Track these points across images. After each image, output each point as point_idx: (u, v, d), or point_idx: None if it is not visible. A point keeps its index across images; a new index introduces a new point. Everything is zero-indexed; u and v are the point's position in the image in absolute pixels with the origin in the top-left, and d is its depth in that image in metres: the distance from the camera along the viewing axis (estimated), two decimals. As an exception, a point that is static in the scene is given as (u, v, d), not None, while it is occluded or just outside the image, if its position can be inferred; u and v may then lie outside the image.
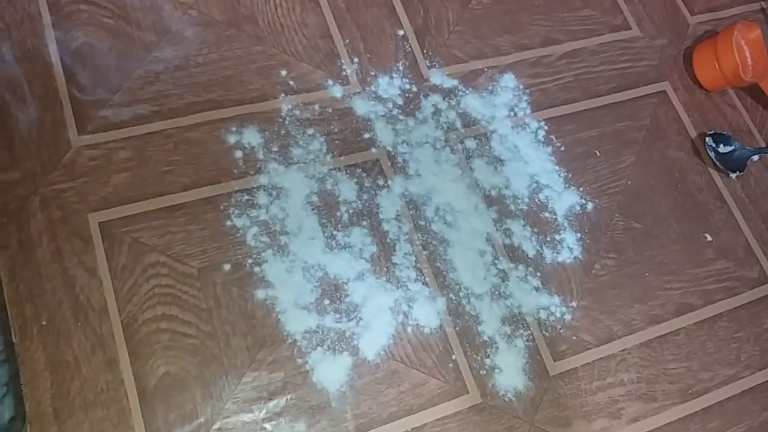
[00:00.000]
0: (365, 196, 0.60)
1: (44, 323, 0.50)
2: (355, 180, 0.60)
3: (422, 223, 0.60)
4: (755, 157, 0.71)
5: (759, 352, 0.64)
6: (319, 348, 0.54)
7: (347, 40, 0.65)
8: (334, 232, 0.58)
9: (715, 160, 0.70)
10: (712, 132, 0.71)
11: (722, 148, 0.70)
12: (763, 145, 0.73)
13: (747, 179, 0.71)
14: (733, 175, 0.70)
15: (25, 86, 0.57)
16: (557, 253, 0.62)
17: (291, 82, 0.62)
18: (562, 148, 0.66)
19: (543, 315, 0.59)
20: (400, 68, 0.65)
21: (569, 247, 0.63)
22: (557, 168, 0.66)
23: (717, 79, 0.72)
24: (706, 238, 0.67)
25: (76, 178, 0.55)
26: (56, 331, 0.50)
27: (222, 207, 0.56)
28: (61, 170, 0.55)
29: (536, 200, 0.63)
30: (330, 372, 0.54)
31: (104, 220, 0.54)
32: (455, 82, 0.66)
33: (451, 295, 0.58)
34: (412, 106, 0.64)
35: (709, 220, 0.68)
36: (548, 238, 0.62)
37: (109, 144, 0.56)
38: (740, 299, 0.65)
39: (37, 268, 0.52)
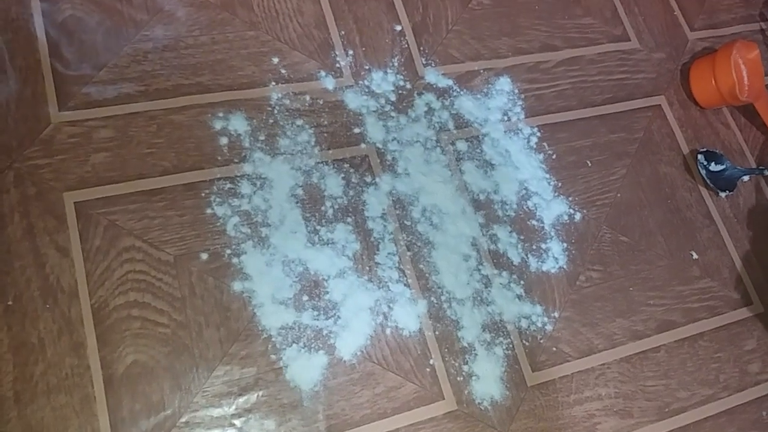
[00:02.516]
0: (351, 192, 0.58)
1: (10, 303, 0.48)
2: (342, 175, 0.59)
3: (408, 223, 0.59)
4: (745, 178, 0.71)
5: (738, 373, 0.63)
6: (294, 345, 0.53)
7: (343, 32, 0.64)
8: (318, 227, 0.56)
9: (705, 178, 0.69)
10: (705, 149, 0.70)
11: (714, 167, 0.70)
12: (754, 165, 0.73)
13: (736, 199, 0.71)
14: (723, 194, 0.70)
15: (5, 56, 0.55)
16: (542, 262, 0.61)
17: (282, 71, 0.61)
18: (554, 156, 0.66)
19: (524, 324, 0.58)
20: (395, 64, 0.64)
21: (555, 257, 0.62)
22: (547, 176, 0.65)
23: (713, 96, 0.71)
24: (692, 255, 0.67)
25: (54, 155, 0.53)
26: (23, 312, 0.48)
27: (203, 194, 0.55)
28: (38, 146, 0.53)
29: (524, 207, 0.62)
30: (304, 370, 0.52)
31: (80, 200, 0.52)
32: (450, 82, 0.65)
33: (432, 299, 0.57)
34: (405, 104, 0.63)
35: (697, 238, 0.68)
36: (534, 247, 0.61)
37: (90, 122, 0.55)
38: (722, 319, 0.65)
39: (7, 246, 0.50)
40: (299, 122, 0.59)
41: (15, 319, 0.48)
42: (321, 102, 0.60)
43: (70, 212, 0.52)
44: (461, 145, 0.63)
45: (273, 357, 0.52)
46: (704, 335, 0.64)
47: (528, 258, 0.61)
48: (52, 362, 0.48)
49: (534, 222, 0.62)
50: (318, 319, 0.54)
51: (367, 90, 0.62)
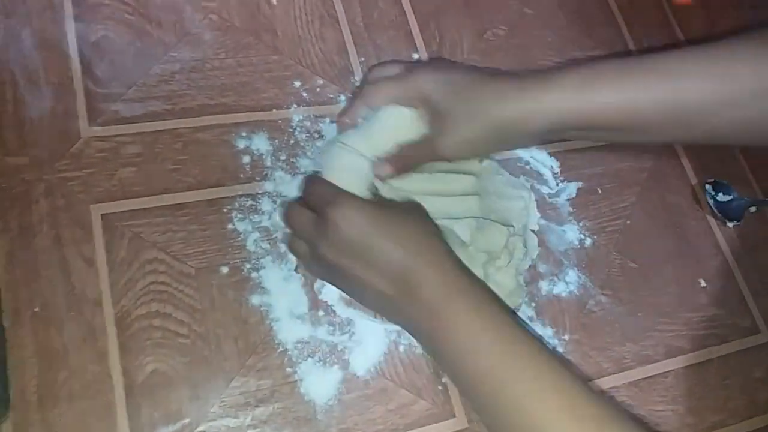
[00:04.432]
0: (368, 212, 0.60)
1: (37, 310, 0.50)
2: (360, 195, 0.60)
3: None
4: (752, 208, 0.72)
5: (746, 401, 0.64)
6: (309, 359, 0.54)
7: (362, 58, 0.66)
8: (335, 245, 0.58)
9: (713, 208, 0.71)
10: (712, 180, 0.72)
11: (721, 197, 0.71)
12: (761, 197, 0.74)
13: (744, 229, 0.72)
14: (731, 224, 0.71)
15: (40, 73, 0.57)
16: (553, 285, 0.62)
17: (304, 94, 0.63)
18: (565, 183, 0.67)
19: (535, 345, 0.59)
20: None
21: (566, 281, 0.63)
22: (559, 202, 0.66)
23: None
24: (700, 283, 0.68)
25: (83, 168, 0.55)
26: (48, 319, 0.50)
27: (225, 210, 0.57)
28: (68, 159, 0.55)
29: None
30: (319, 384, 0.53)
31: (107, 212, 0.54)
32: (465, 109, 0.67)
33: (445, 318, 0.58)
34: (421, 128, 0.64)
35: (705, 266, 0.69)
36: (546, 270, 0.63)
37: (118, 137, 0.57)
38: (731, 347, 0.66)
39: (36, 254, 0.51)
40: (319, 143, 0.61)
41: (41, 325, 0.50)
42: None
43: (96, 224, 0.53)
44: (475, 170, 0.65)
45: (289, 370, 0.53)
46: (713, 362, 0.65)
47: (540, 281, 0.62)
48: (75, 369, 0.49)
49: (546, 246, 0.64)
50: (333, 335, 0.55)
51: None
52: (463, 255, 0.55)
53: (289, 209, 0.51)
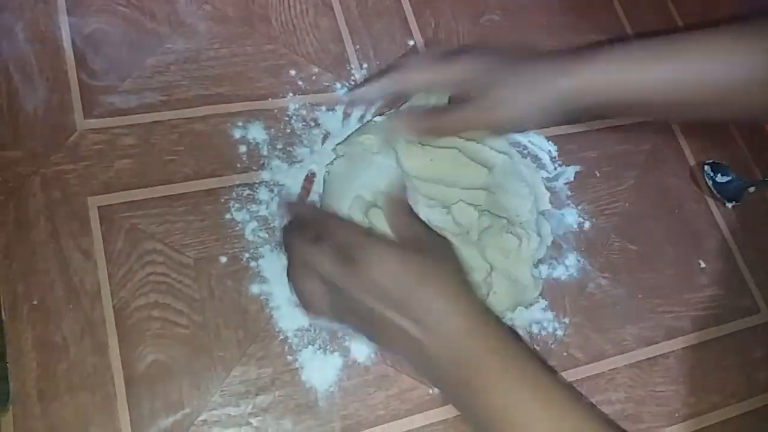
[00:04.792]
0: (366, 200, 0.60)
1: (35, 303, 0.50)
2: (357, 183, 0.60)
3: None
4: (751, 189, 0.72)
5: (746, 381, 0.64)
6: (310, 346, 0.54)
7: (358, 46, 0.66)
8: (333, 233, 0.58)
9: (712, 189, 0.70)
10: (711, 161, 0.72)
11: (720, 178, 0.71)
12: (760, 177, 0.74)
13: (743, 210, 0.72)
14: (730, 205, 0.71)
15: (34, 67, 0.57)
16: (553, 269, 0.62)
17: (299, 83, 0.62)
18: (563, 167, 0.67)
19: (535, 329, 0.59)
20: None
21: (565, 265, 0.63)
22: (557, 185, 0.66)
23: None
24: (699, 264, 0.68)
25: (79, 161, 0.55)
26: (47, 312, 0.50)
27: (222, 200, 0.56)
28: (64, 152, 0.55)
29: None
30: (319, 371, 0.54)
31: (104, 205, 0.54)
32: (461, 95, 0.67)
33: (445, 303, 0.58)
34: (417, 115, 0.64)
35: (704, 247, 0.69)
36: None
37: (114, 129, 0.56)
38: (730, 327, 0.66)
39: (33, 248, 0.51)
40: (315, 131, 0.61)
41: (40, 318, 0.50)
42: (337, 112, 0.62)
43: (93, 216, 0.53)
44: (472, 155, 0.64)
45: (289, 358, 0.53)
46: (713, 343, 0.65)
47: (539, 265, 0.62)
48: (75, 361, 0.49)
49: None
50: (333, 322, 0.55)
51: (380, 101, 0.64)
52: (467, 248, 0.55)
53: (296, 243, 0.47)
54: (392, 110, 0.61)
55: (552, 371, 0.46)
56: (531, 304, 0.60)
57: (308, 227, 0.47)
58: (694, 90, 0.49)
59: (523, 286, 0.58)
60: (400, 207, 0.49)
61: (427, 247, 0.46)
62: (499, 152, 0.60)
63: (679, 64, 0.49)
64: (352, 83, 0.64)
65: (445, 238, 0.48)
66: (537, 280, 0.59)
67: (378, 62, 0.66)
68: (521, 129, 0.56)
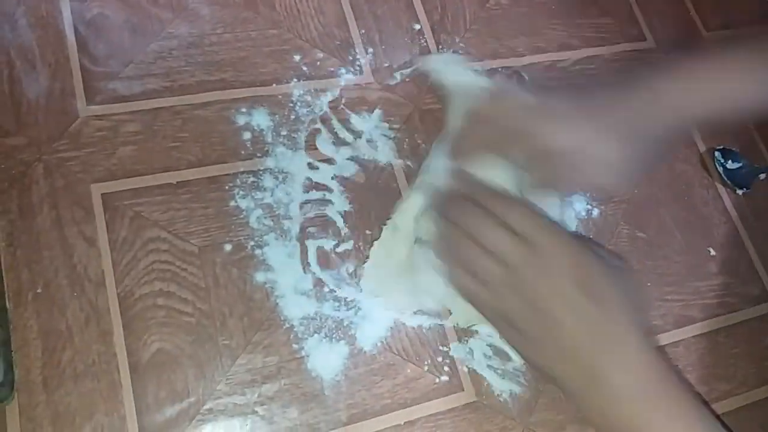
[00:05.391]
0: (371, 187, 0.59)
1: (39, 291, 0.50)
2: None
3: (427, 217, 0.59)
4: (762, 176, 0.71)
5: (756, 369, 0.63)
6: (316, 335, 0.53)
7: (363, 30, 0.65)
8: (338, 220, 0.57)
9: (722, 175, 0.70)
10: (721, 147, 0.71)
11: (730, 164, 0.70)
12: (771, 164, 0.73)
13: (753, 197, 0.71)
14: (740, 192, 0.70)
15: (36, 53, 0.56)
16: (560, 256, 0.61)
17: (304, 68, 0.62)
18: (571, 153, 0.66)
19: (543, 317, 0.59)
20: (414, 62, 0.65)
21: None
22: (565, 172, 0.65)
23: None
24: (709, 252, 0.67)
25: (82, 148, 0.54)
26: (51, 300, 0.50)
27: (227, 187, 0.56)
28: (67, 139, 0.54)
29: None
30: (325, 360, 0.53)
31: (107, 192, 0.53)
32: (468, 80, 0.66)
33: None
34: (423, 100, 0.64)
35: (714, 235, 0.68)
36: (552, 241, 0.62)
37: (117, 116, 0.56)
38: (740, 315, 0.65)
39: (36, 235, 0.51)
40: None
41: (44, 306, 0.49)
42: (343, 98, 0.61)
43: (97, 203, 0.53)
44: (479, 142, 0.64)
45: (295, 346, 0.53)
46: (722, 331, 0.64)
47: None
48: (79, 349, 0.49)
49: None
50: (339, 310, 0.55)
51: (386, 87, 0.63)
52: None
53: (476, 220, 0.45)
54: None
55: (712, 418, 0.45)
56: None
57: (474, 200, 0.46)
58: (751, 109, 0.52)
59: None
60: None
61: (601, 254, 0.45)
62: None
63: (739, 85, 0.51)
64: (357, 68, 0.63)
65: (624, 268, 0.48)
66: None
67: (383, 47, 0.65)
68: (627, 180, 0.52)
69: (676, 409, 0.42)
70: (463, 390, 0.55)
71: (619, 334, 0.43)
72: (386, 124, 0.62)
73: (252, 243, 0.55)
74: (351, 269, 0.56)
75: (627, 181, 0.52)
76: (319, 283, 0.55)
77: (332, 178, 0.58)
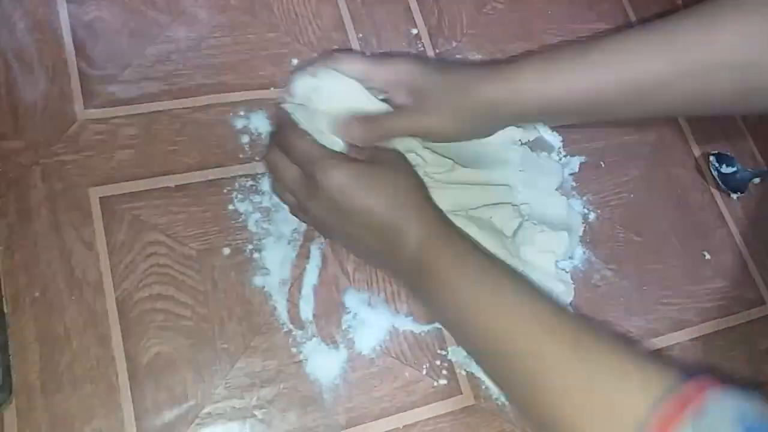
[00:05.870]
0: (370, 190, 0.59)
1: (37, 295, 0.49)
2: (361, 173, 0.60)
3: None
4: (756, 180, 0.72)
5: (752, 373, 0.64)
6: (314, 339, 0.54)
7: (360, 34, 0.65)
8: (337, 224, 0.57)
9: (717, 180, 0.70)
10: (716, 152, 0.71)
11: (725, 169, 0.71)
12: (765, 168, 0.74)
13: (748, 201, 0.71)
14: (735, 196, 0.70)
15: (33, 56, 0.56)
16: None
17: (302, 72, 0.62)
18: (568, 157, 0.66)
19: (540, 321, 0.59)
20: (412, 66, 0.65)
21: (569, 256, 0.62)
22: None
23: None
24: (704, 256, 0.67)
25: (80, 151, 0.54)
26: (49, 304, 0.49)
27: (225, 191, 0.56)
28: (64, 142, 0.54)
29: (539, 206, 0.63)
30: (324, 364, 0.53)
31: (105, 195, 0.53)
32: (465, 84, 0.66)
33: (449, 295, 0.58)
34: (421, 105, 0.64)
35: (709, 239, 0.68)
36: (549, 245, 0.62)
37: (115, 119, 0.56)
38: (736, 319, 0.65)
39: (34, 239, 0.51)
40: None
41: (42, 310, 0.49)
42: (340, 102, 0.61)
43: (95, 207, 0.53)
44: (477, 146, 0.64)
45: (293, 350, 0.53)
46: (718, 334, 0.64)
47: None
48: (77, 353, 0.49)
49: (549, 221, 0.63)
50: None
51: (384, 91, 0.63)
52: (501, 248, 0.54)
53: (273, 161, 0.51)
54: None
55: (506, 267, 0.49)
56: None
57: (279, 142, 0.52)
58: (615, 91, 0.50)
59: (555, 295, 0.57)
60: (353, 124, 0.51)
61: (381, 160, 0.50)
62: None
63: (598, 67, 0.50)
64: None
65: (401, 154, 0.53)
66: (569, 285, 0.59)
67: (381, 51, 0.65)
68: (456, 138, 0.55)
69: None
70: (461, 393, 0.55)
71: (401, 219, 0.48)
72: (384, 128, 0.62)
73: (250, 246, 0.55)
74: (350, 272, 0.56)
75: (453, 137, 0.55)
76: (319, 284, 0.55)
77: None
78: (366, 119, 0.52)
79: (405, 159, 0.53)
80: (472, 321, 0.46)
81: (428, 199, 0.50)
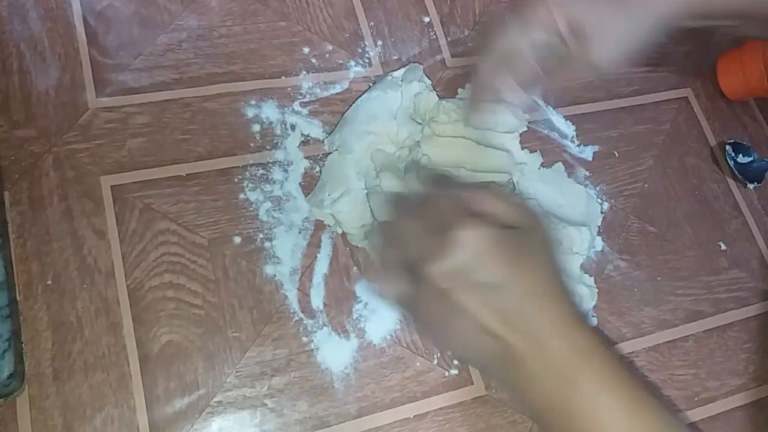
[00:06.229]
0: (381, 179, 0.59)
1: (49, 282, 0.50)
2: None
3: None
4: (773, 170, 0.71)
5: (767, 364, 0.63)
6: (325, 327, 0.53)
7: (372, 23, 0.65)
8: (348, 213, 0.57)
9: (733, 169, 0.69)
10: (732, 141, 0.70)
11: (741, 158, 0.70)
12: (783, 158, 0.73)
13: (764, 191, 0.70)
14: (751, 186, 0.70)
15: (46, 45, 0.56)
16: (570, 250, 0.61)
17: (313, 60, 0.61)
18: (582, 146, 0.66)
19: (553, 311, 0.59)
20: (423, 54, 0.65)
21: (592, 248, 0.62)
22: (575, 166, 0.65)
23: (741, 87, 0.71)
24: (720, 246, 0.67)
25: (92, 140, 0.54)
26: (61, 292, 0.50)
27: (236, 180, 0.56)
28: (76, 131, 0.54)
29: (552, 196, 0.63)
30: (335, 353, 0.53)
31: (117, 184, 0.53)
32: (478, 73, 0.65)
33: (461, 285, 0.57)
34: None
35: (724, 229, 0.67)
36: (562, 235, 0.61)
37: (126, 108, 0.56)
38: (751, 310, 0.65)
39: (46, 227, 0.51)
40: (330, 110, 0.60)
41: (54, 298, 0.49)
42: (351, 90, 0.61)
43: (107, 195, 0.53)
44: (489, 135, 0.63)
45: (304, 339, 0.53)
46: (733, 326, 0.63)
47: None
48: (89, 341, 0.49)
49: (562, 211, 0.62)
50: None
51: (396, 80, 0.63)
52: None
53: (400, 215, 0.45)
54: None
55: (661, 399, 0.44)
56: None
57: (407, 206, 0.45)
58: None
59: (579, 298, 0.57)
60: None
61: (522, 223, 0.42)
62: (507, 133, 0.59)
63: None
64: (366, 61, 0.63)
65: (539, 224, 0.43)
66: (592, 289, 0.58)
67: (393, 39, 0.64)
68: (635, 62, 0.51)
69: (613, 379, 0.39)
70: (472, 383, 0.55)
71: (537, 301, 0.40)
72: (396, 117, 0.61)
73: (261, 235, 0.55)
74: (360, 262, 0.56)
75: (624, 62, 0.50)
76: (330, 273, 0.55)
77: (341, 171, 0.58)
78: (533, 67, 0.48)
79: (543, 231, 0.43)
80: None
81: (572, 295, 0.42)
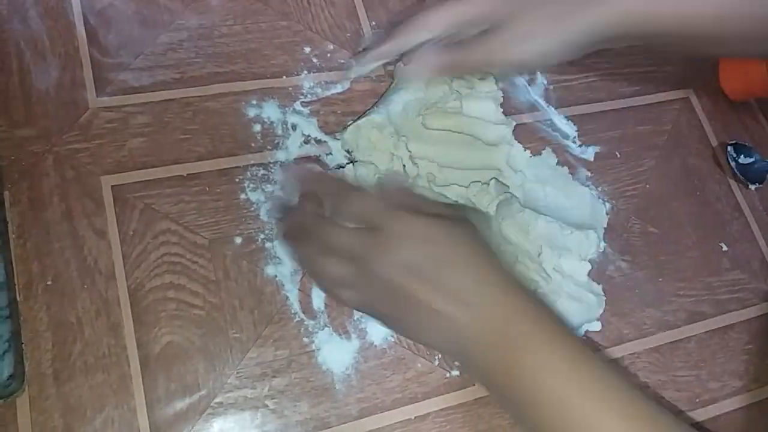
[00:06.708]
0: (382, 180, 0.59)
1: (50, 283, 0.49)
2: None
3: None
4: (775, 171, 0.70)
5: (768, 366, 0.63)
6: (326, 328, 0.53)
7: (374, 22, 0.64)
8: (349, 214, 0.57)
9: (735, 170, 0.69)
10: (734, 142, 0.70)
11: (743, 159, 0.69)
12: (784, 159, 0.72)
13: (766, 192, 0.70)
14: (753, 187, 0.69)
15: (46, 44, 0.56)
16: (572, 251, 0.61)
17: (314, 60, 0.61)
18: (583, 147, 0.66)
19: (554, 312, 0.58)
20: (425, 55, 0.65)
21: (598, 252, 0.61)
22: (577, 166, 0.65)
23: (742, 88, 0.71)
24: (721, 247, 0.66)
25: (92, 140, 0.54)
26: (61, 292, 0.49)
27: (237, 180, 0.56)
28: (76, 130, 0.54)
29: (554, 197, 0.62)
30: (336, 354, 0.53)
31: (117, 184, 0.53)
32: (479, 73, 0.65)
33: (462, 286, 0.57)
34: (434, 93, 0.63)
35: (726, 230, 0.67)
36: (564, 236, 0.61)
37: (126, 107, 0.56)
38: (753, 311, 0.65)
39: (47, 227, 0.51)
40: (331, 110, 0.60)
41: (54, 298, 0.49)
42: (353, 90, 0.61)
43: (107, 196, 0.53)
44: (491, 135, 0.63)
45: (305, 340, 0.52)
46: (734, 327, 0.63)
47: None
48: (89, 341, 0.49)
49: (563, 212, 0.62)
50: (356, 308, 0.54)
51: (397, 79, 0.63)
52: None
53: (320, 226, 0.46)
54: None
55: (594, 352, 0.46)
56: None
57: (318, 201, 0.48)
58: (716, 24, 0.49)
59: (587, 305, 0.57)
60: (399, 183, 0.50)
61: (448, 219, 0.45)
62: (498, 124, 0.59)
63: None
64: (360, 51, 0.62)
65: (460, 206, 0.49)
66: (600, 297, 0.58)
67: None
68: (546, 63, 0.54)
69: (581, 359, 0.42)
70: (473, 385, 0.54)
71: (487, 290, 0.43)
72: (397, 117, 0.61)
73: (262, 236, 0.54)
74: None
75: (536, 63, 0.54)
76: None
77: (343, 171, 0.58)
78: (449, 48, 0.50)
79: (470, 221, 0.46)
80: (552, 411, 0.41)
81: (504, 266, 0.45)
